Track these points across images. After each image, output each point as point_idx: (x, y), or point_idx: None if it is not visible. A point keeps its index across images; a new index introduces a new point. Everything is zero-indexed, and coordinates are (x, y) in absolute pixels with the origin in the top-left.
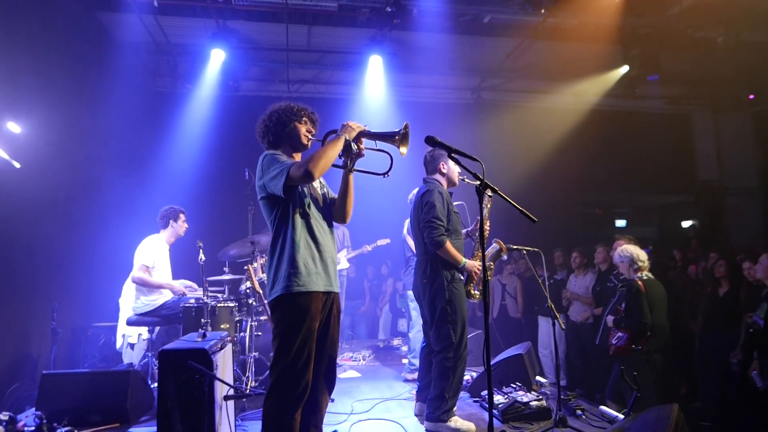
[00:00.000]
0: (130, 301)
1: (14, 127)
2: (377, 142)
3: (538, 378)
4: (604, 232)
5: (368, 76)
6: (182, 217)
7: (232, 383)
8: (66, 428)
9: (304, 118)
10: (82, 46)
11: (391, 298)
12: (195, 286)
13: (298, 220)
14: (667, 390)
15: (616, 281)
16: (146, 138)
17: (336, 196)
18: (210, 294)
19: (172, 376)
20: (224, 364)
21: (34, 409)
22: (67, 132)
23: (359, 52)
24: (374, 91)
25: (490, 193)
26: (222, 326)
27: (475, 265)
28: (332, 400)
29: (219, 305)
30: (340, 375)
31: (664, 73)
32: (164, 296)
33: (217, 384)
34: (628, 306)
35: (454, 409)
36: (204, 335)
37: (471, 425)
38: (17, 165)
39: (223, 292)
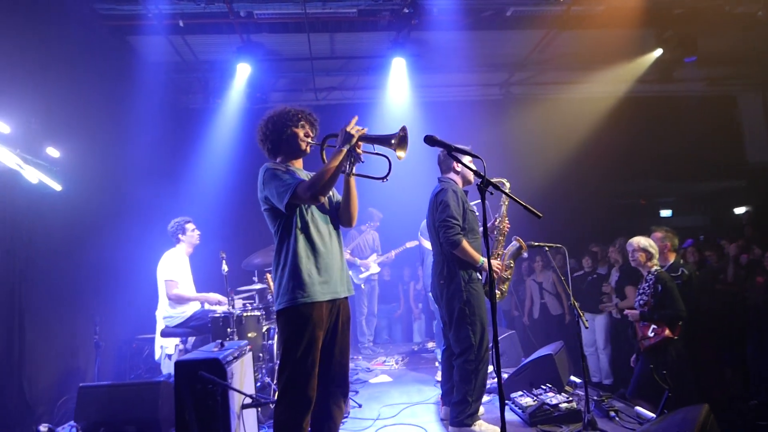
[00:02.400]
0: (162, 314)
1: (53, 152)
2: (375, 146)
3: (572, 378)
4: (648, 223)
5: (392, 79)
6: (189, 227)
7: (253, 391)
8: None
9: (301, 122)
10: (115, 69)
11: (425, 299)
12: (225, 300)
13: (301, 231)
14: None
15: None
16: (180, 154)
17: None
18: (240, 303)
19: (187, 386)
20: (242, 373)
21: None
22: (104, 153)
23: (382, 56)
24: (400, 93)
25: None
26: (249, 335)
27: (495, 264)
28: (359, 406)
29: (245, 314)
30: (371, 380)
31: (702, 53)
32: (192, 308)
33: (235, 393)
34: (661, 297)
35: (480, 412)
36: (222, 345)
37: (496, 429)
38: (58, 187)
39: (253, 300)
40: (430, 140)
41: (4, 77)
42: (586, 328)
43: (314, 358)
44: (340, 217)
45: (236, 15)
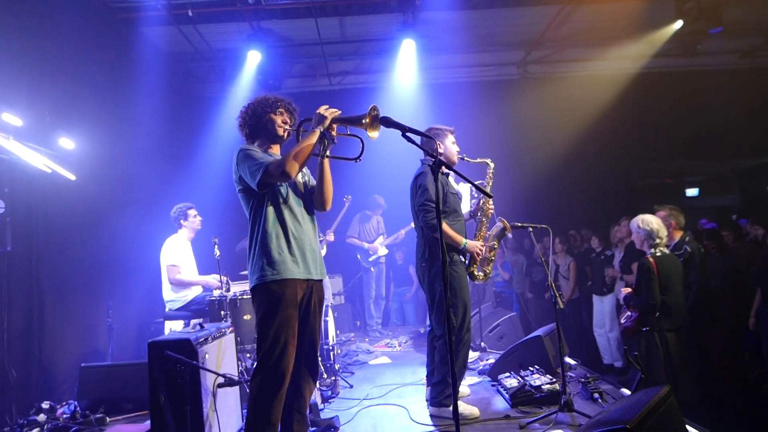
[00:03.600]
0: (165, 298)
1: (67, 143)
2: (349, 128)
3: (568, 359)
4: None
5: (402, 62)
6: (192, 213)
7: (235, 371)
8: (98, 415)
9: (279, 109)
10: (127, 60)
11: None
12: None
13: (272, 211)
14: (687, 368)
15: None
16: (191, 142)
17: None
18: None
19: (159, 366)
20: (221, 353)
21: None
22: (116, 142)
23: (392, 38)
24: (411, 76)
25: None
26: (245, 317)
27: (476, 245)
28: (350, 386)
29: (241, 297)
30: (371, 362)
31: (729, 24)
32: (193, 292)
33: (208, 373)
34: (638, 284)
35: (465, 393)
36: (201, 326)
37: (474, 409)
38: (72, 177)
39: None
40: (385, 121)
41: (19, 71)
42: (561, 308)
43: (288, 335)
44: (314, 201)
45: (244, 2)
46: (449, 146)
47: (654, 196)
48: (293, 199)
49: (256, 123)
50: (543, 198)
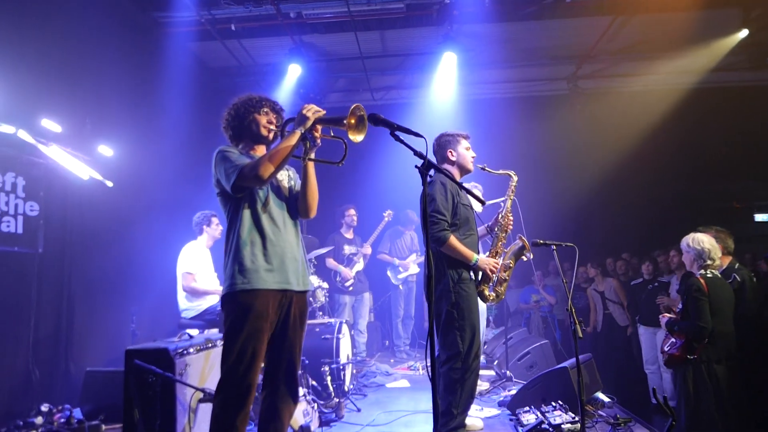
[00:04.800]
0: (180, 306)
1: (106, 150)
2: (331, 129)
3: (600, 395)
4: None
5: (443, 76)
6: (215, 220)
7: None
8: (94, 422)
9: (264, 109)
10: (173, 74)
11: None
12: None
13: (249, 216)
14: (738, 409)
15: None
16: None
17: None
18: None
19: (134, 376)
20: (207, 366)
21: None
22: (153, 152)
23: (433, 52)
24: (452, 91)
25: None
26: None
27: (490, 262)
28: (358, 410)
29: None
30: (388, 384)
31: None
32: (208, 301)
33: (188, 387)
34: (686, 307)
35: (477, 426)
36: (190, 336)
37: None
38: (110, 184)
39: None
40: (373, 119)
41: (61, 80)
42: (581, 337)
43: (255, 350)
44: (298, 207)
45: (285, 16)
46: (462, 153)
47: (719, 221)
48: (274, 204)
49: (240, 124)
50: (593, 218)
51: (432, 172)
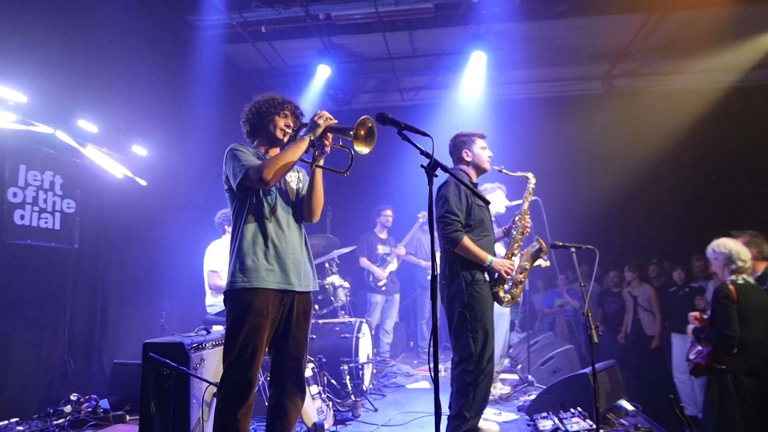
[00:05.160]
0: (206, 302)
1: (140, 150)
2: (341, 139)
3: (623, 403)
4: None
5: (472, 76)
6: None
7: None
8: (119, 413)
9: (284, 112)
10: (204, 75)
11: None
12: None
13: (253, 216)
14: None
15: None
16: None
17: None
18: None
19: (151, 368)
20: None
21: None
22: (184, 152)
23: (462, 52)
24: (480, 91)
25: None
26: None
27: (505, 264)
28: (375, 410)
29: None
30: (408, 385)
31: None
32: None
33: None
34: (713, 314)
35: (481, 431)
36: (207, 331)
37: None
38: (144, 183)
39: None
40: (381, 118)
41: (98, 82)
42: (596, 343)
43: (255, 347)
44: (302, 211)
45: (314, 18)
46: (478, 152)
47: (760, 226)
48: (281, 206)
49: (258, 122)
50: (628, 221)
51: (446, 171)
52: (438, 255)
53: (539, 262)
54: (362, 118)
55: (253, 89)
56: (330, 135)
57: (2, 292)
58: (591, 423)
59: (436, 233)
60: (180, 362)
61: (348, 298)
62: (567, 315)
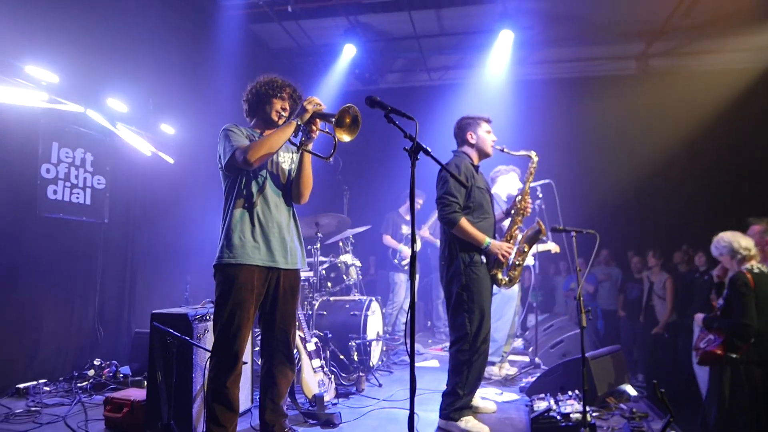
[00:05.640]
0: None
1: (168, 128)
2: (327, 125)
3: (625, 388)
4: None
5: (499, 56)
6: None
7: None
8: (137, 378)
9: (282, 95)
10: (232, 54)
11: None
12: None
13: (242, 194)
14: None
15: None
16: None
17: None
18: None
19: (158, 337)
20: None
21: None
22: (209, 130)
23: (491, 30)
24: (508, 71)
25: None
26: None
27: (503, 246)
28: (380, 385)
29: None
30: (417, 363)
31: None
32: None
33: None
34: (728, 302)
35: (488, 409)
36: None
37: (484, 428)
38: (171, 160)
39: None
40: (369, 101)
41: (128, 62)
42: (584, 327)
43: (241, 319)
44: (292, 192)
45: None
46: (482, 135)
47: None
48: (270, 186)
49: (257, 103)
50: (656, 206)
51: (428, 155)
52: (418, 236)
53: (548, 247)
54: (346, 105)
55: (280, 68)
56: (318, 121)
57: (37, 263)
58: (589, 408)
59: (435, 216)
60: (183, 332)
61: (360, 276)
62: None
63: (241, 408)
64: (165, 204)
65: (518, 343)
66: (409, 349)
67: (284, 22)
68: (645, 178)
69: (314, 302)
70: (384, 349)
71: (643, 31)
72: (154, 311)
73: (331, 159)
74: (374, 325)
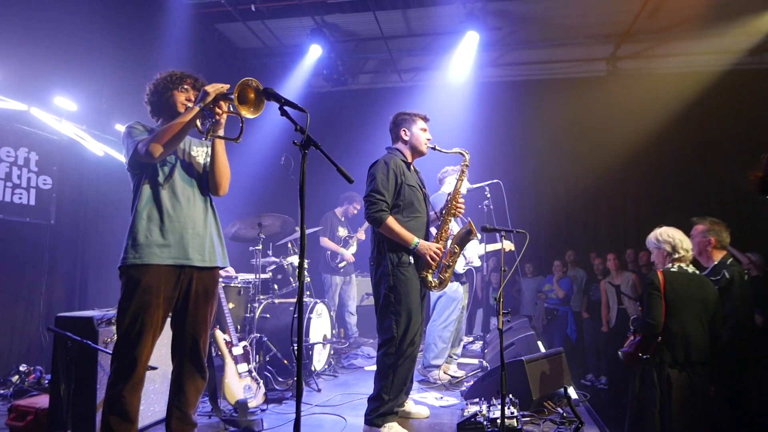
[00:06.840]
0: None
1: (123, 128)
2: (231, 106)
3: (571, 392)
4: None
5: (463, 58)
6: None
7: None
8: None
9: (184, 86)
10: (197, 55)
11: (486, 288)
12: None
13: (148, 191)
14: (691, 425)
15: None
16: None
17: None
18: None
19: (61, 342)
20: None
21: None
22: None
23: (457, 32)
24: (471, 73)
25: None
26: (229, 305)
27: (431, 247)
28: (318, 390)
29: (226, 285)
30: (366, 367)
31: None
32: None
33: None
34: (641, 302)
35: (421, 414)
36: None
37: None
38: (124, 160)
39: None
40: (265, 93)
41: (78, 59)
42: (500, 329)
43: (143, 324)
44: (208, 184)
45: None
46: (416, 133)
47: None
48: (180, 180)
49: (158, 100)
50: (627, 208)
51: (317, 148)
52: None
53: (498, 246)
54: (245, 78)
55: (250, 69)
56: (224, 104)
57: None
58: (522, 412)
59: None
60: (87, 336)
61: (308, 278)
62: (550, 302)
63: (156, 418)
64: (119, 205)
65: (477, 345)
66: (296, 351)
67: (250, 22)
68: (611, 179)
69: (256, 305)
70: (332, 352)
71: (611, 33)
72: (59, 314)
73: (239, 139)
74: (320, 328)
